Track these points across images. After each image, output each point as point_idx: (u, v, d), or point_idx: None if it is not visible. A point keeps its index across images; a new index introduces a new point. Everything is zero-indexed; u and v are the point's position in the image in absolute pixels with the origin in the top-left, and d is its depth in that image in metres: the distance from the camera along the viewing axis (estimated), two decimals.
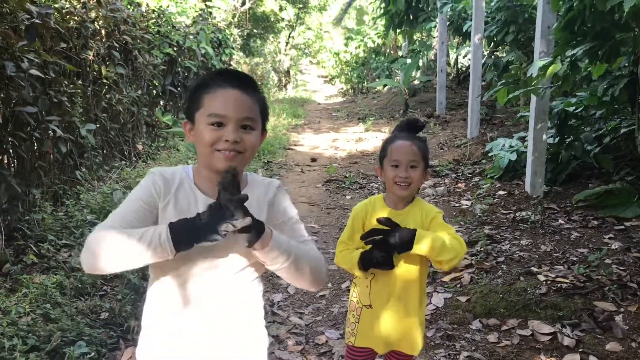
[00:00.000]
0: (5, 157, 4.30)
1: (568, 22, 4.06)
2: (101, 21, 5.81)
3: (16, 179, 4.06)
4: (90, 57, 5.56)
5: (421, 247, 1.82)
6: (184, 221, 1.31)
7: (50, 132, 4.44)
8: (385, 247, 1.85)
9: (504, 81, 4.80)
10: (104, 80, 5.90)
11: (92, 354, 2.73)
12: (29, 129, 4.27)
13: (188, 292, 1.45)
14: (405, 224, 1.91)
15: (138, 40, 6.81)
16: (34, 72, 3.88)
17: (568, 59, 4.16)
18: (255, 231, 1.32)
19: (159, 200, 1.44)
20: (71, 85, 4.86)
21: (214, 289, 1.45)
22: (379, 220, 1.85)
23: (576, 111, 5.43)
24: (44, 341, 2.74)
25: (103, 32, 5.90)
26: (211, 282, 1.45)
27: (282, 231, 1.48)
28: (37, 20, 3.84)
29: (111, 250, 1.32)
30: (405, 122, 2.05)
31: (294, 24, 23.06)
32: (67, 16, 5.07)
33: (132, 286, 3.41)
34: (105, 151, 6.27)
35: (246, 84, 1.45)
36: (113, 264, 1.34)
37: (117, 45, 6.19)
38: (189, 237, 1.29)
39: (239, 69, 15.66)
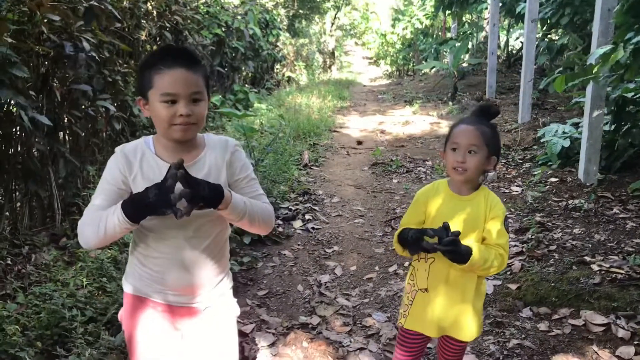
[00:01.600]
0: (61, 133, 4.43)
1: (632, 6, 3.88)
2: (153, 1, 5.89)
3: (71, 156, 4.18)
4: (143, 37, 5.65)
5: (466, 267, 1.81)
6: (131, 199, 1.53)
7: (103, 110, 4.54)
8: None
9: (561, 68, 4.63)
10: None
11: None
12: (83, 107, 4.38)
13: (161, 232, 1.66)
14: (466, 210, 1.90)
15: (188, 21, 6.89)
16: (92, 53, 3.97)
17: (632, 46, 3.97)
18: (214, 199, 1.52)
19: (125, 175, 1.63)
20: (124, 65, 4.96)
21: (186, 240, 1.67)
22: (444, 225, 1.78)
23: (635, 97, 5.22)
24: (101, 313, 2.84)
25: (155, 12, 5.99)
26: (184, 233, 1.66)
27: (238, 186, 1.73)
28: (94, 3, 3.92)
29: (92, 234, 1.58)
30: (478, 108, 1.97)
31: (340, 5, 22.90)
32: None
33: None
34: (155, 130, 6.38)
35: (190, 60, 1.60)
36: (98, 243, 1.60)
37: (168, 25, 6.27)
38: (139, 213, 1.51)
39: (284, 50, 15.67)
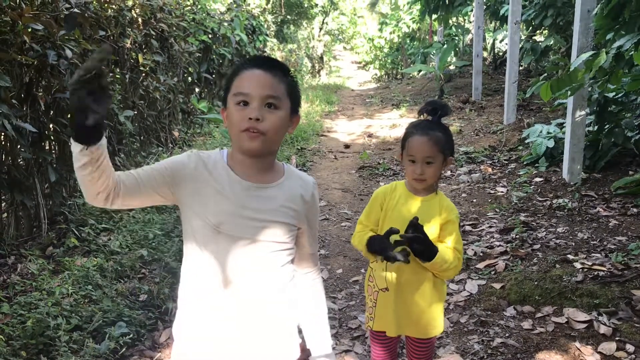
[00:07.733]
0: (47, 142, 4.43)
1: (611, 10, 3.93)
2: (138, 9, 5.90)
3: (58, 164, 4.18)
4: (128, 45, 5.66)
5: (430, 265, 1.89)
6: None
7: None
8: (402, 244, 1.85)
9: (546, 74, 4.65)
10: (141, 68, 6.00)
11: (132, 334, 2.82)
12: (69, 115, 4.38)
13: (225, 269, 1.47)
14: (422, 208, 1.97)
15: (174, 28, 6.90)
16: (74, 60, 3.98)
17: (614, 51, 4.01)
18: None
19: (190, 171, 1.47)
20: (110, 73, 4.96)
21: (250, 267, 1.47)
22: (411, 223, 1.84)
23: (616, 97, 5.29)
24: (86, 321, 2.84)
25: (140, 20, 6.00)
26: (247, 260, 1.47)
27: (305, 231, 1.58)
28: (75, 10, 3.93)
29: None
30: (431, 109, 2.01)
31: (328, 10, 22.96)
32: (106, 4, 5.16)
33: (170, 269, 3.49)
34: (142, 137, 6.39)
35: (273, 65, 1.48)
36: None
37: (153, 33, 6.28)
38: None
39: (273, 56, 15.72)
